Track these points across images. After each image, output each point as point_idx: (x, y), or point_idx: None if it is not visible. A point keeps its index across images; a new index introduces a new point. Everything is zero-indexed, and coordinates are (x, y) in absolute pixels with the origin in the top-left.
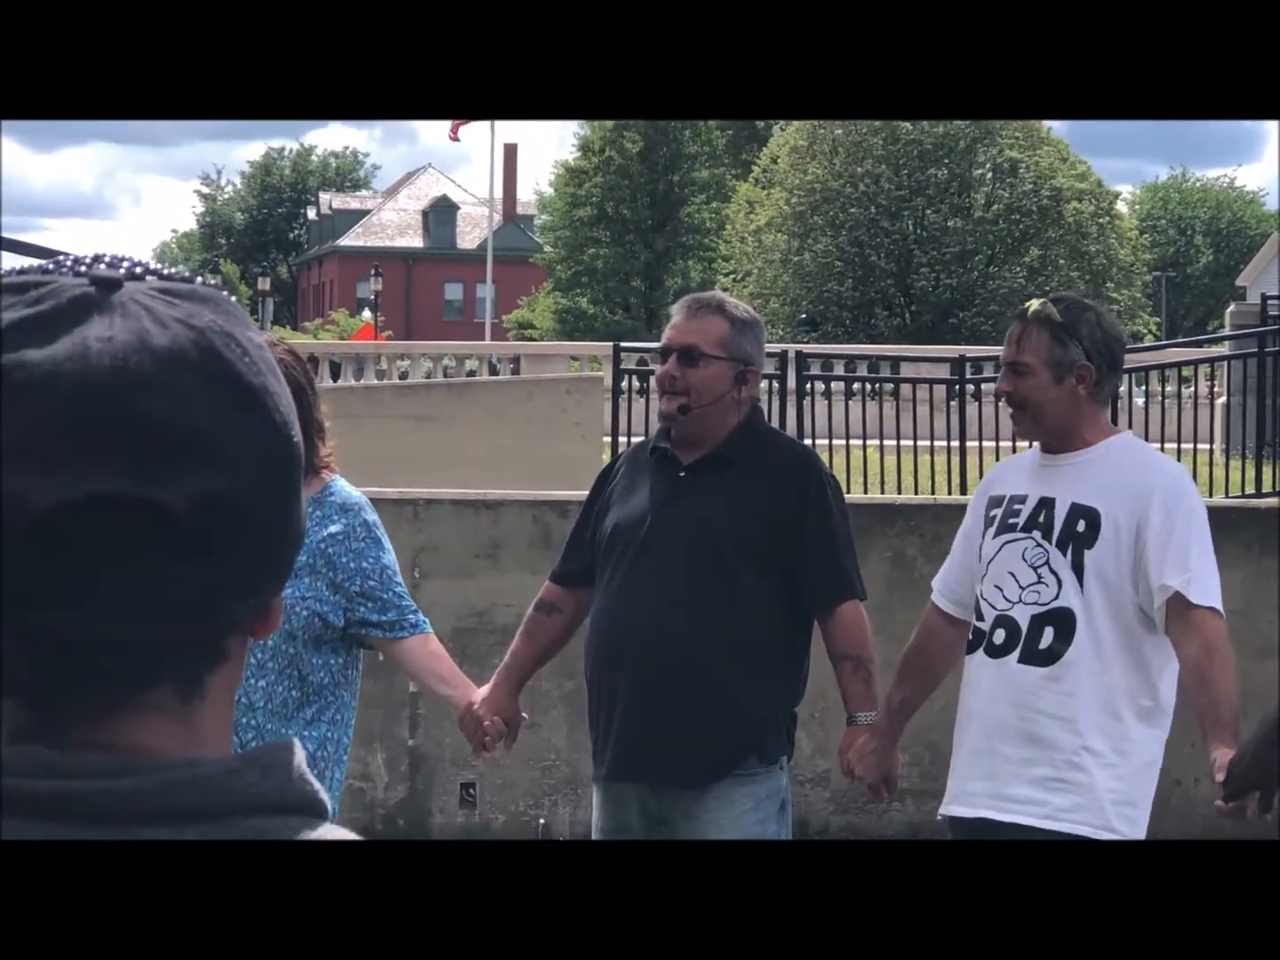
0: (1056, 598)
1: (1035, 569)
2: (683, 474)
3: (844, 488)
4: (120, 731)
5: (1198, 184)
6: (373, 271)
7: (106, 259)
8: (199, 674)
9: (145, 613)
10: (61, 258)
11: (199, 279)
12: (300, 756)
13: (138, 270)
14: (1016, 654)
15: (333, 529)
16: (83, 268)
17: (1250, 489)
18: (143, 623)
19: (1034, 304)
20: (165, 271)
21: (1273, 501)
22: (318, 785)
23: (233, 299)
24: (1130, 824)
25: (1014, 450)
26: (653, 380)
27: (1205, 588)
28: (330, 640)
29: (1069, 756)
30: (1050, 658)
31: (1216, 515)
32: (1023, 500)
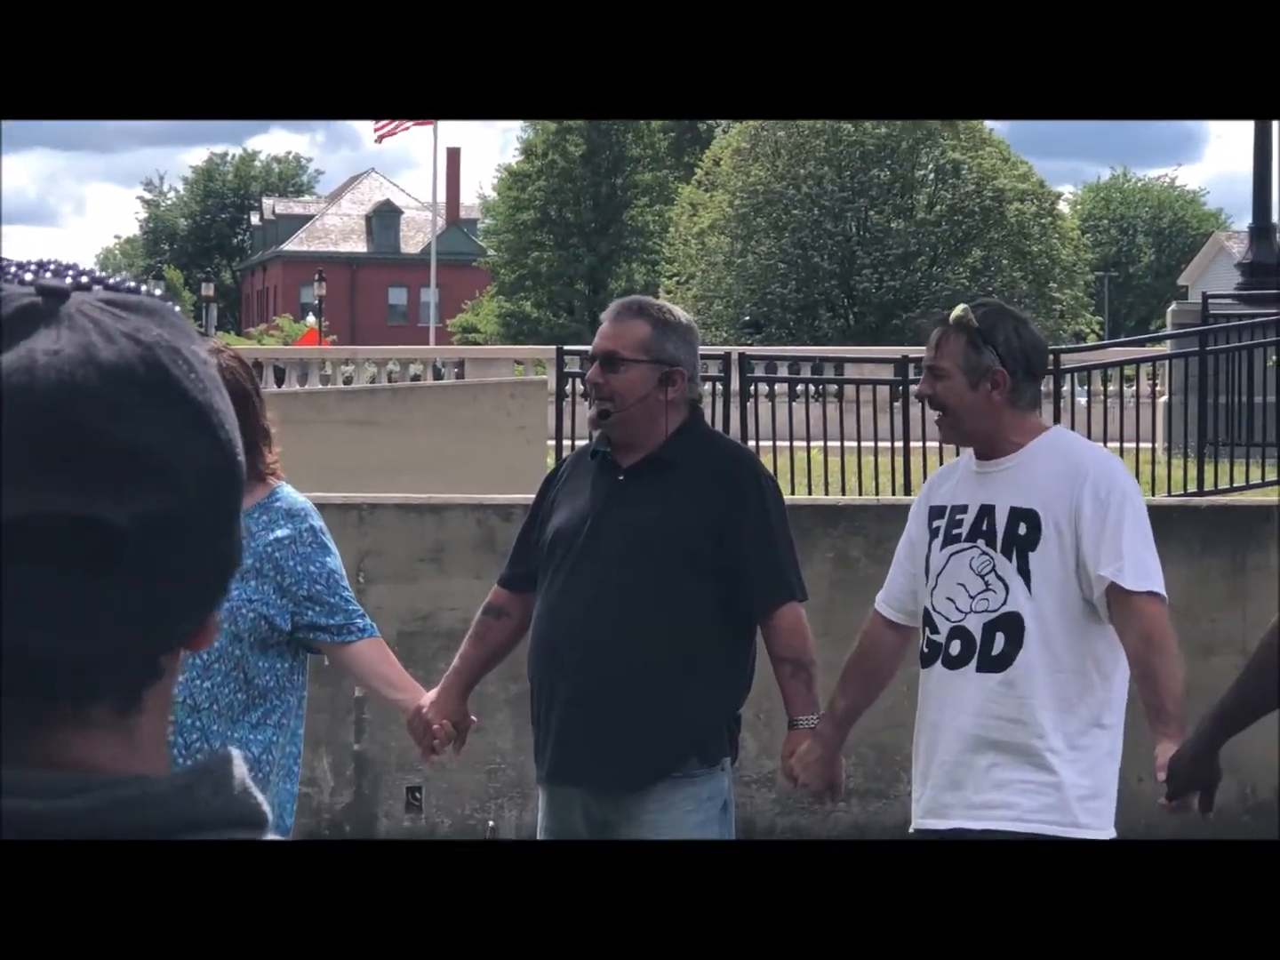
0: (1005, 603)
1: (983, 577)
2: (622, 477)
3: (788, 489)
4: (65, 747)
5: (1139, 184)
6: (316, 277)
7: (52, 266)
8: (137, 689)
9: (89, 629)
10: (6, 263)
11: (144, 288)
12: (241, 767)
13: (84, 280)
14: (974, 664)
15: (279, 534)
16: (29, 275)
17: (1192, 488)
18: (86, 640)
19: (956, 310)
20: (111, 281)
21: (1214, 500)
22: (260, 797)
23: (177, 309)
24: (1097, 816)
25: (958, 452)
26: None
27: (1140, 572)
28: (276, 644)
29: (1032, 758)
30: (1003, 663)
31: (1158, 514)
32: (964, 510)
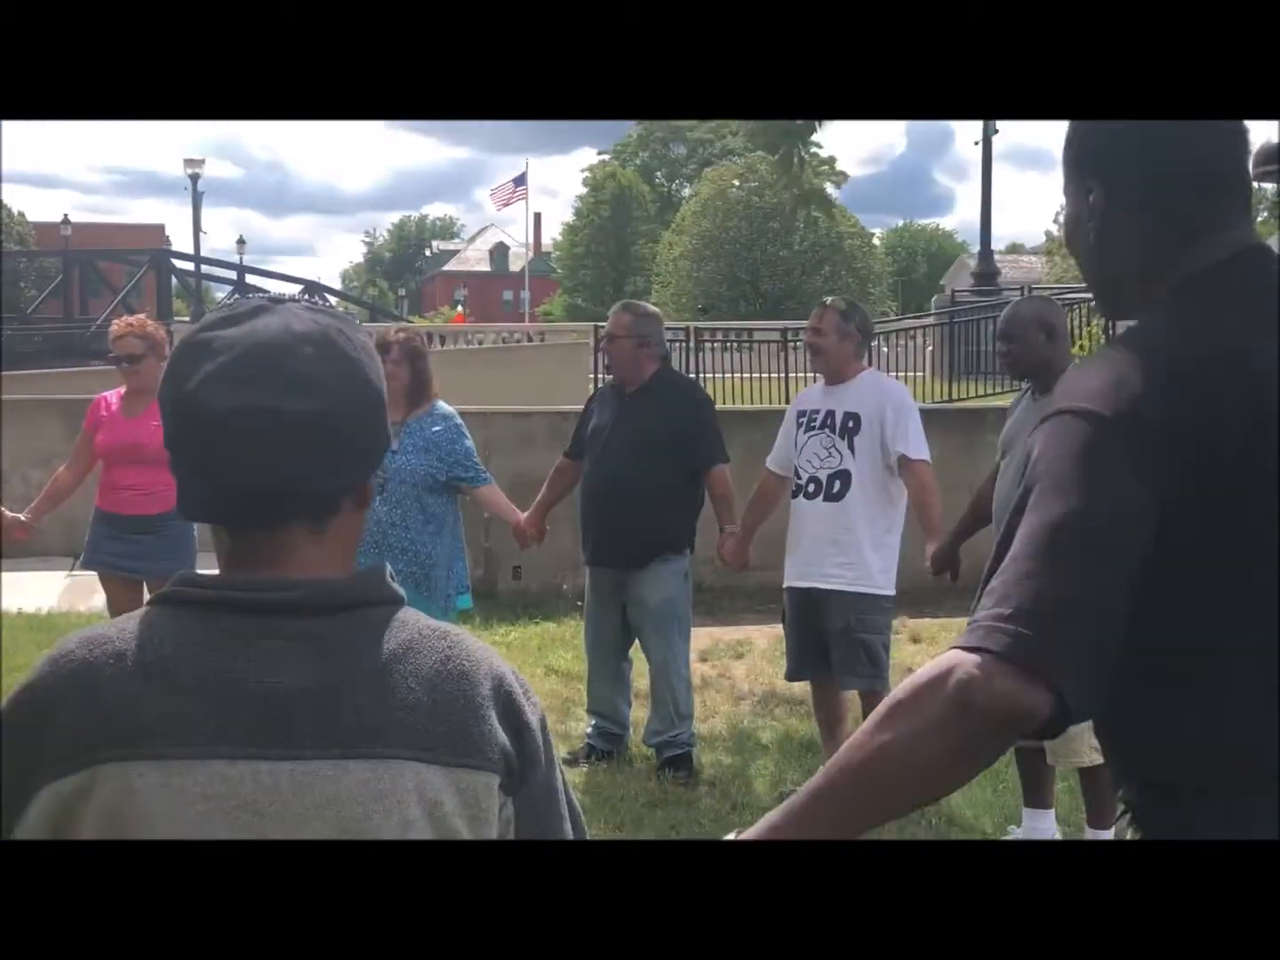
0: (840, 463)
1: (827, 449)
2: (626, 399)
3: (721, 401)
4: (280, 557)
5: (919, 227)
6: (462, 285)
7: (289, 296)
8: (322, 520)
9: (292, 475)
10: (257, 291)
11: (339, 307)
12: (388, 571)
13: (298, 298)
14: (821, 497)
15: (436, 429)
16: (267, 297)
17: (945, 398)
18: (291, 482)
19: (829, 298)
20: (317, 303)
21: (958, 405)
22: (400, 589)
23: (353, 319)
24: (888, 581)
25: (812, 382)
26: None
27: (919, 450)
28: (437, 489)
29: (853, 549)
30: (839, 497)
31: (927, 413)
32: (818, 412)
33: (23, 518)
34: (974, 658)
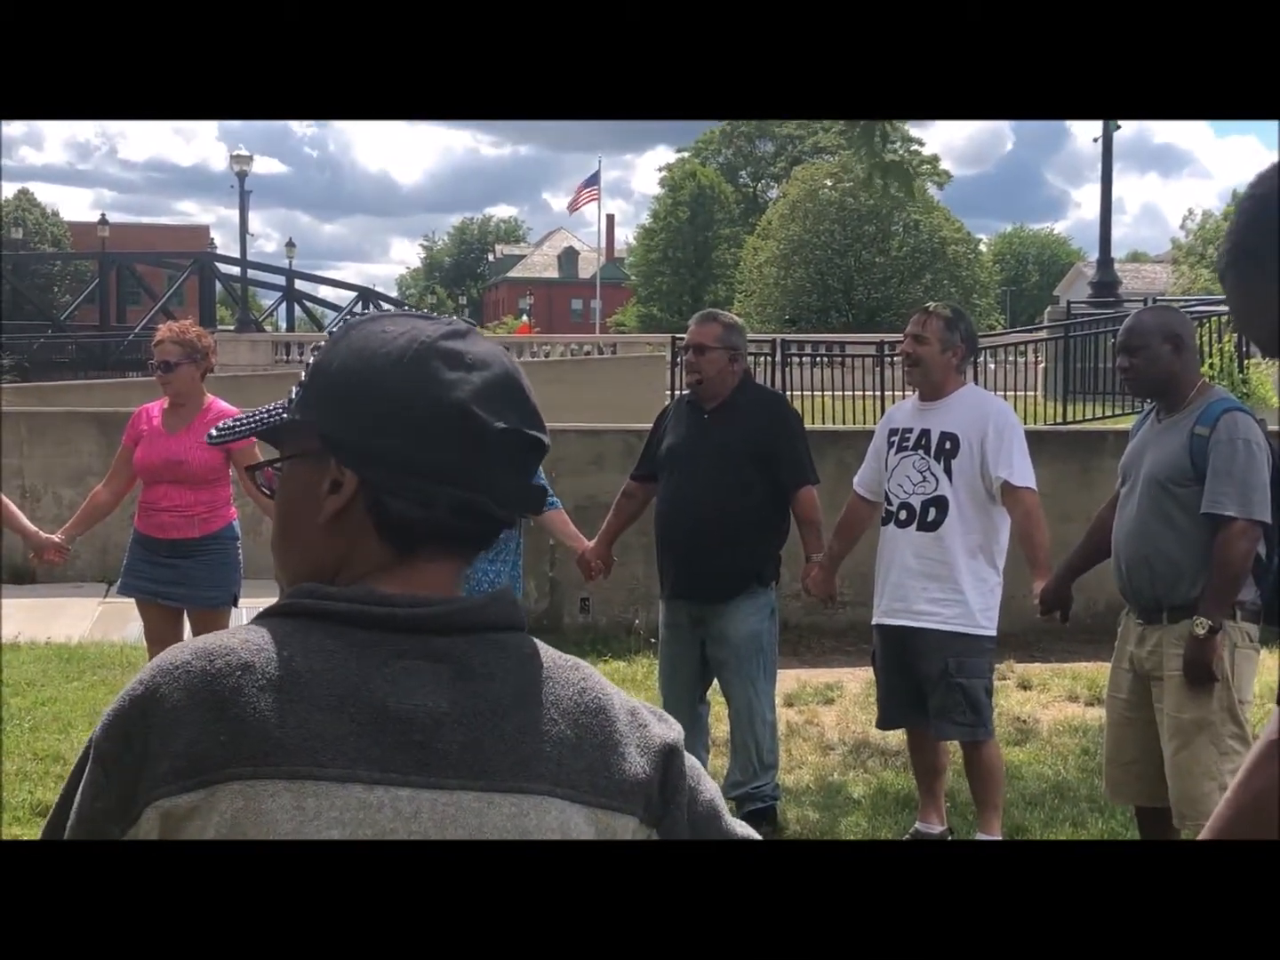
0: (936, 489)
1: (921, 473)
2: (706, 416)
3: (810, 421)
4: (414, 576)
5: (1029, 232)
6: (528, 293)
7: (432, 313)
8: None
9: (522, 503)
10: (416, 310)
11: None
12: (515, 595)
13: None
14: (915, 526)
15: None
16: (442, 315)
17: (1058, 420)
18: (519, 509)
19: (933, 305)
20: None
21: (1072, 427)
22: (524, 614)
23: None
24: (990, 620)
25: (904, 397)
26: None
27: (1022, 474)
28: None
29: (950, 585)
30: (934, 526)
31: (1037, 436)
32: (911, 431)
33: (56, 538)
34: None
